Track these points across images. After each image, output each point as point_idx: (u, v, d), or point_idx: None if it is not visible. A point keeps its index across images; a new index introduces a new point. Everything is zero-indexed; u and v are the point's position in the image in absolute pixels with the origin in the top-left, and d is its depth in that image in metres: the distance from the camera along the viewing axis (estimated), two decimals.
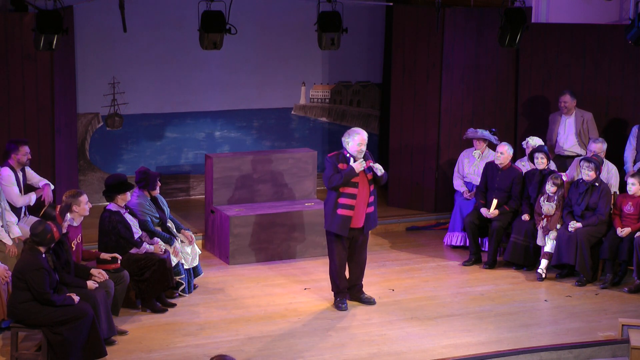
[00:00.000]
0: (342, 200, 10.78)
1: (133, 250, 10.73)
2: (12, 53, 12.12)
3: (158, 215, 11.28)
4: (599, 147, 12.34)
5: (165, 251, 10.97)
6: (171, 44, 14.22)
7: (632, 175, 11.90)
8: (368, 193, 10.86)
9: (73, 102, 13.46)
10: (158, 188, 11.34)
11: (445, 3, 13.62)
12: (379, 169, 10.78)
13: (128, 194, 10.82)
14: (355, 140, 10.78)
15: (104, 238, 10.73)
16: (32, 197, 11.26)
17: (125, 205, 10.85)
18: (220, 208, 12.62)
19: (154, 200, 11.35)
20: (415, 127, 14.21)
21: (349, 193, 10.77)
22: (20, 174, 11.30)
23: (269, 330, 10.46)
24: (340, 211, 10.79)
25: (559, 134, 13.31)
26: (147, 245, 10.83)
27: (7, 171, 11.14)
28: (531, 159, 12.48)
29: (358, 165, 10.73)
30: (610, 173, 12.42)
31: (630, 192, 11.83)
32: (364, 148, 10.78)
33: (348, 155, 10.82)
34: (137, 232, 10.89)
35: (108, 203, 10.82)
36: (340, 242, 10.93)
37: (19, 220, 10.98)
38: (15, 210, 11.08)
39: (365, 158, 10.83)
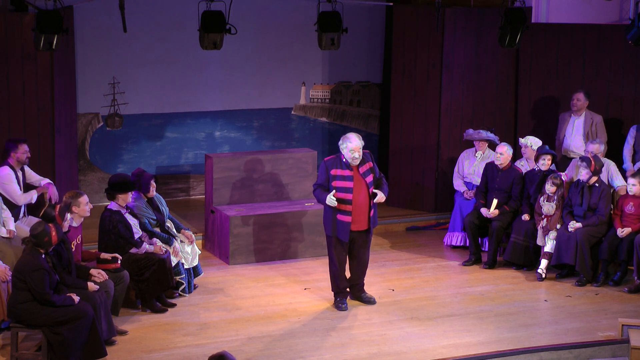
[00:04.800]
0: (339, 207, 10.74)
1: (133, 250, 10.74)
2: (12, 53, 12.12)
3: (155, 217, 11.27)
4: (596, 147, 12.32)
5: (166, 251, 10.97)
6: (171, 44, 14.22)
7: (633, 176, 11.89)
8: (367, 197, 10.82)
9: (73, 102, 13.46)
10: (153, 190, 11.31)
11: (445, 3, 13.62)
12: (380, 198, 10.77)
13: (129, 194, 10.83)
14: (348, 147, 10.71)
15: (104, 237, 10.74)
16: (33, 196, 11.30)
17: (126, 205, 10.87)
18: (220, 208, 12.62)
19: (151, 201, 11.34)
20: (415, 127, 14.22)
21: (344, 199, 10.73)
22: (20, 173, 11.33)
23: (269, 330, 10.46)
24: (339, 217, 10.77)
25: (566, 134, 13.30)
26: (147, 246, 10.83)
27: (6, 170, 11.18)
28: (536, 160, 12.45)
29: (330, 201, 10.64)
30: (608, 167, 12.42)
31: (631, 193, 11.83)
32: (357, 155, 10.67)
33: (344, 160, 10.77)
34: (138, 232, 10.90)
35: (109, 202, 10.83)
36: (340, 244, 10.92)
37: (16, 220, 11.00)
38: (14, 210, 11.10)
39: (365, 160, 10.81)
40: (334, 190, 10.68)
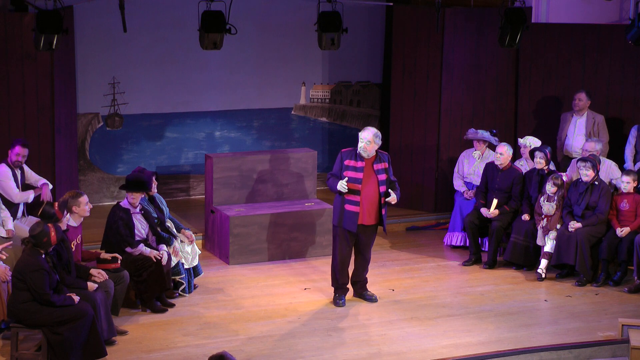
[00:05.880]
0: (348, 197, 10.87)
1: (128, 250, 10.73)
2: (12, 53, 12.13)
3: (156, 215, 11.27)
4: (592, 146, 12.34)
5: (161, 258, 10.88)
6: (171, 44, 14.22)
7: (626, 174, 11.93)
8: (376, 193, 10.88)
9: (73, 102, 13.46)
10: (155, 187, 11.35)
11: (445, 3, 13.62)
12: (392, 199, 10.90)
13: (134, 196, 10.82)
14: (360, 135, 10.89)
15: (107, 232, 10.82)
16: (29, 195, 11.31)
17: (141, 205, 10.90)
18: (220, 208, 12.62)
19: (152, 199, 11.35)
20: (415, 127, 14.22)
21: (353, 190, 10.84)
22: (18, 172, 11.35)
23: (269, 330, 10.46)
24: (347, 207, 10.87)
25: (568, 134, 13.30)
26: (143, 247, 10.80)
27: (3, 167, 11.24)
28: (532, 157, 12.49)
29: (340, 186, 10.80)
30: (610, 167, 12.44)
31: (625, 190, 11.86)
32: (362, 145, 10.81)
33: (359, 152, 10.89)
34: (141, 234, 10.88)
35: (108, 202, 10.85)
36: (345, 238, 10.96)
37: (14, 220, 11.02)
38: (13, 209, 11.12)
39: (381, 159, 10.91)
40: (346, 178, 10.81)
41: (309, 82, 15.21)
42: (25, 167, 11.51)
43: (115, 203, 11.06)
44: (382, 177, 10.93)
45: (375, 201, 10.93)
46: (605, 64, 13.83)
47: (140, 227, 10.90)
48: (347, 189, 10.80)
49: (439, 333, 10.44)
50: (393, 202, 10.96)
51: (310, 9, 13.12)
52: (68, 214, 10.20)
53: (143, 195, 11.22)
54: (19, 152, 11.29)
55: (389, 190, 10.95)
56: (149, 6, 13.97)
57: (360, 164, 10.86)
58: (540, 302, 11.45)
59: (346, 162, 10.90)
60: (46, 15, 10.53)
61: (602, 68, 13.84)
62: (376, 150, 10.93)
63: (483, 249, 12.80)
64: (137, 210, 10.88)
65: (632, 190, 11.85)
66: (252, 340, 10.20)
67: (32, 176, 11.54)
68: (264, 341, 10.18)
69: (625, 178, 11.88)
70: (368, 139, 10.82)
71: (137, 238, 10.83)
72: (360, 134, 10.90)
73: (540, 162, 12.27)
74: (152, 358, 9.77)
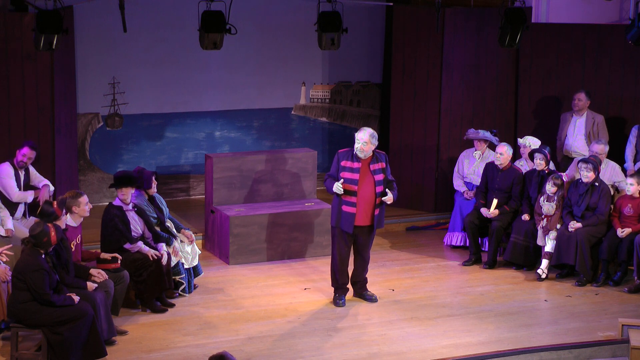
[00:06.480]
0: (344, 198, 10.88)
1: (127, 246, 10.72)
2: (12, 53, 12.13)
3: (156, 215, 11.27)
4: (601, 148, 12.35)
5: (160, 256, 10.89)
6: (171, 44, 14.22)
7: (631, 176, 11.91)
8: (373, 193, 10.88)
9: (73, 102, 13.46)
10: (155, 187, 11.35)
11: (445, 3, 13.62)
12: (388, 198, 10.90)
13: (123, 192, 10.81)
14: (356, 137, 10.90)
15: (103, 231, 10.82)
16: (28, 196, 11.32)
17: (134, 204, 10.89)
18: (220, 208, 12.62)
19: (152, 199, 11.35)
20: (415, 127, 14.22)
21: (350, 191, 10.85)
22: (22, 173, 11.38)
23: (269, 330, 10.46)
24: (344, 207, 10.88)
25: (568, 134, 13.30)
26: (142, 245, 10.80)
27: (6, 165, 11.30)
28: (532, 158, 12.51)
29: (336, 188, 10.83)
30: (614, 170, 12.45)
31: (629, 193, 11.84)
32: (358, 146, 10.83)
33: (355, 152, 10.90)
34: (137, 231, 10.89)
35: (107, 202, 10.86)
36: (343, 239, 10.98)
37: (12, 218, 11.04)
38: (12, 208, 11.14)
39: (378, 159, 10.92)
40: (342, 180, 10.82)
41: (309, 82, 15.21)
42: (31, 169, 11.55)
43: (108, 204, 11.06)
44: (379, 177, 10.92)
45: (372, 202, 10.92)
46: (605, 64, 13.83)
47: (135, 224, 10.90)
48: (343, 191, 10.82)
49: (439, 333, 10.44)
50: (389, 202, 10.96)
51: (310, 9, 13.12)
52: (67, 214, 10.21)
53: (142, 194, 11.23)
54: (25, 154, 11.33)
55: (386, 189, 10.95)
56: (149, 6, 13.97)
57: (356, 164, 10.86)
58: (540, 302, 11.45)
59: (343, 163, 10.91)
60: (46, 15, 10.53)
61: (602, 68, 13.84)
62: (373, 150, 10.93)
63: (483, 249, 12.80)
64: (130, 207, 10.87)
65: (637, 194, 11.81)
66: (252, 340, 10.21)
67: (36, 177, 11.57)
68: (264, 341, 10.18)
69: (630, 180, 11.85)
70: (364, 139, 10.82)
71: (134, 235, 10.84)
72: (356, 134, 10.91)
73: (540, 163, 12.27)
74: (152, 358, 9.77)
